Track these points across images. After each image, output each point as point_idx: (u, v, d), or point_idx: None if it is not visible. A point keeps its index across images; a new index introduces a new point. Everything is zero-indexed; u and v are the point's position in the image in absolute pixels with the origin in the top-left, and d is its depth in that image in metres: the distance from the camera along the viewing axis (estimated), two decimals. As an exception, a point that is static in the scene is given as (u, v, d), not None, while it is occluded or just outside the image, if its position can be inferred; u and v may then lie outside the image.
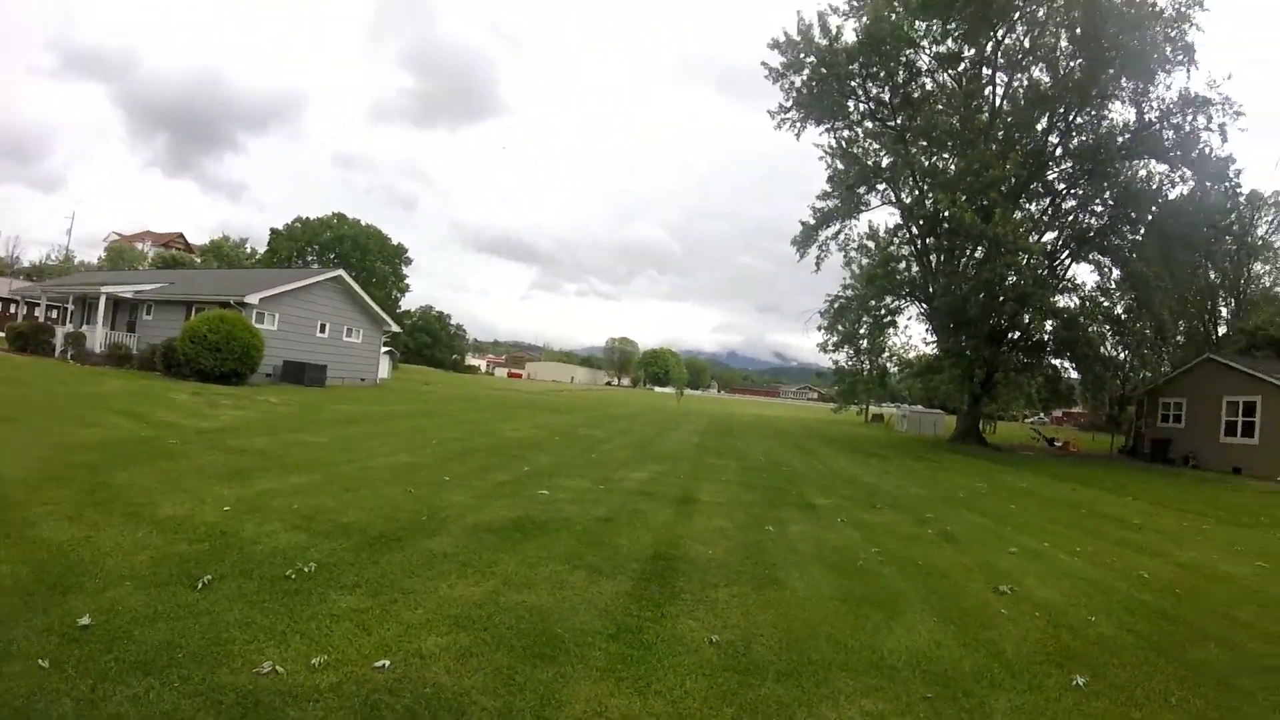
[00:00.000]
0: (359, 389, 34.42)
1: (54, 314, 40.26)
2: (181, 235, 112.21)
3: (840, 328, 36.96)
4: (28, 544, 6.20)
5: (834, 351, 38.24)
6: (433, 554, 6.84)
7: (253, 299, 29.83)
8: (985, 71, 33.63)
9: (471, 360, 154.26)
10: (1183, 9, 28.38)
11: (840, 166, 35.76)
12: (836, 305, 37.29)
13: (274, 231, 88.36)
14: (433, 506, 8.93)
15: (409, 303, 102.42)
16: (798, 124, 35.37)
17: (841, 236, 37.89)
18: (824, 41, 33.20)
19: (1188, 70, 28.84)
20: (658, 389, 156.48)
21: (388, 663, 4.41)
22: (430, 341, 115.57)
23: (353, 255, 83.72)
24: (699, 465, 16.82)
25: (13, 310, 49.56)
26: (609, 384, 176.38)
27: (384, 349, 43.69)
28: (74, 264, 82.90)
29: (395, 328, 42.64)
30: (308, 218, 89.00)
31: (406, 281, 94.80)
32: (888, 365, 41.35)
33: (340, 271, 37.79)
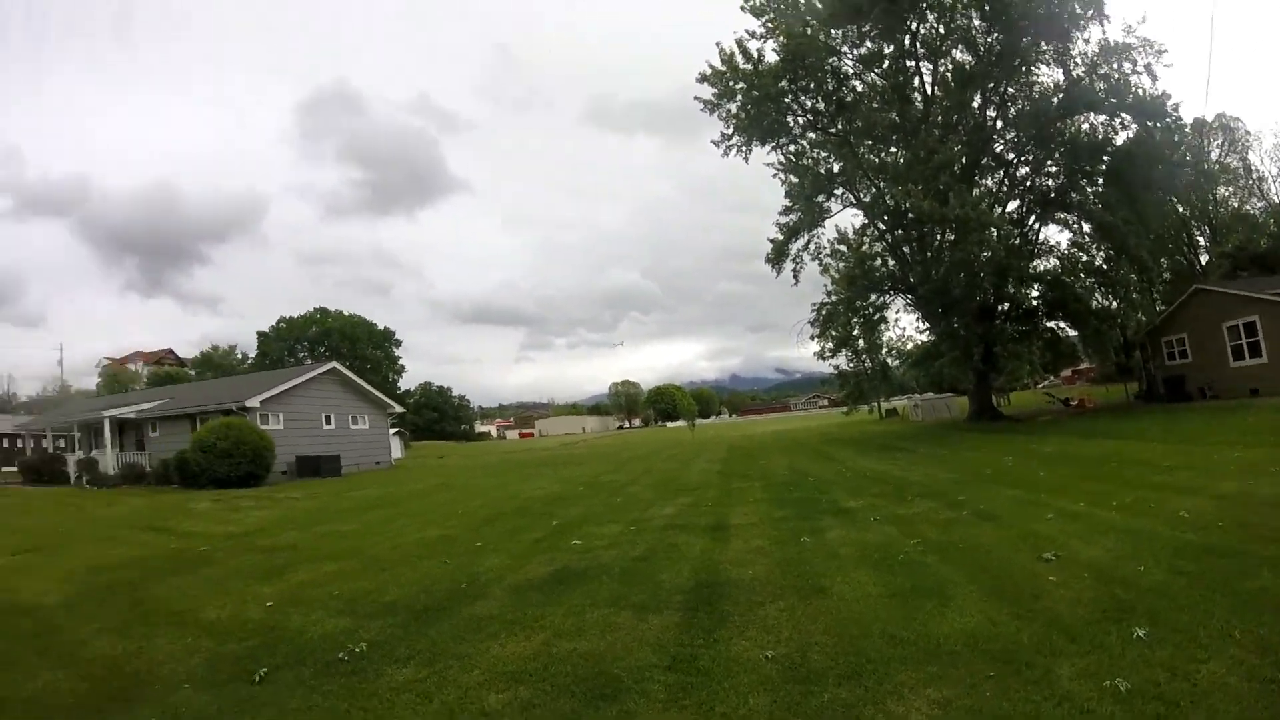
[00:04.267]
0: (375, 473, 34.49)
1: (61, 443, 40.83)
2: (171, 351, 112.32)
3: (832, 333, 36.96)
4: (81, 662, 6.38)
5: (832, 357, 38.23)
6: (479, 618, 6.85)
7: (254, 402, 30.14)
8: (909, 64, 34.01)
9: (481, 427, 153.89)
10: (1082, -35, 29.06)
11: (794, 180, 35.90)
12: (824, 312, 37.03)
13: (261, 334, 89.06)
14: (471, 573, 8.91)
15: (407, 382, 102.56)
16: (743, 148, 35.47)
17: (812, 246, 37.71)
18: (749, 66, 33.42)
19: (1101, 23, 29.53)
20: (670, 424, 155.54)
21: (455, 726, 4.42)
22: (437, 416, 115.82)
23: (343, 346, 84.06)
24: (725, 491, 16.64)
25: (19, 445, 50.59)
26: (621, 428, 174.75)
27: (393, 430, 43.97)
28: (71, 392, 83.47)
29: (399, 408, 42.92)
30: (291, 316, 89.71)
31: (401, 363, 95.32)
32: (887, 360, 41.47)
33: (334, 364, 38.24)
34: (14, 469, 40.23)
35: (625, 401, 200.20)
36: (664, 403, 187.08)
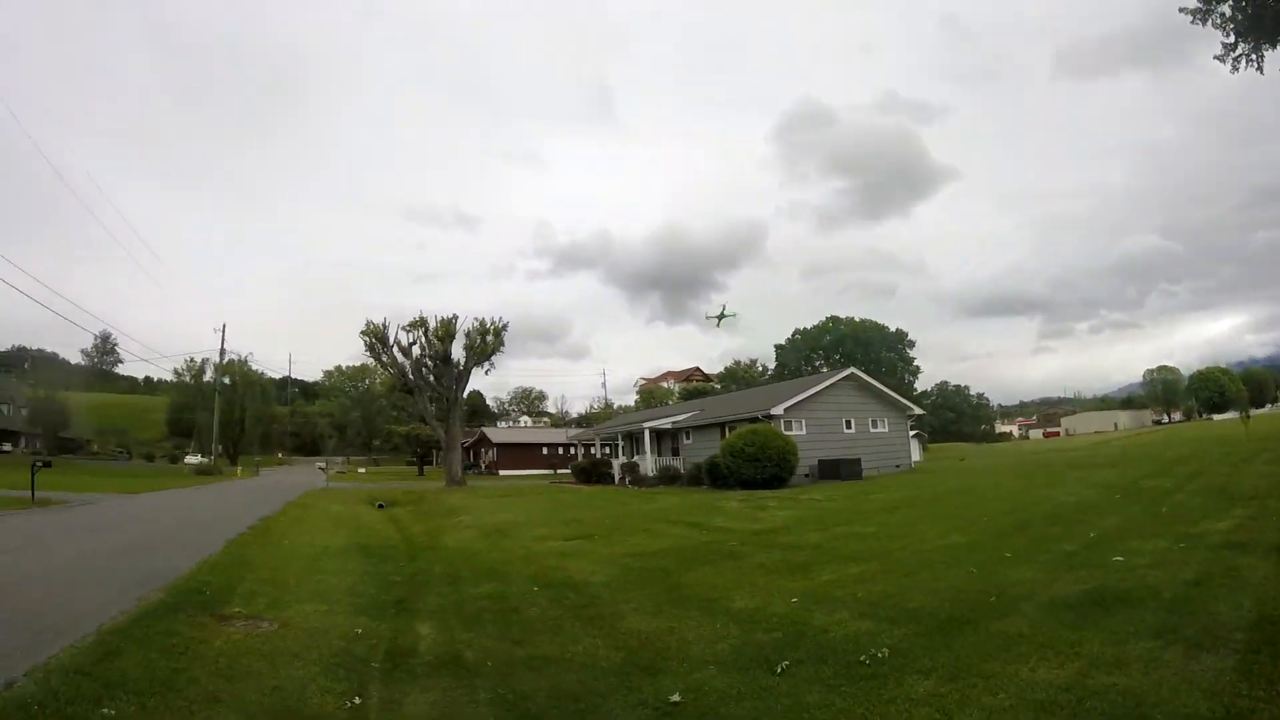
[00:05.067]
0: (894, 476, 34.55)
1: (606, 450, 49.92)
2: (698, 368, 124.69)
3: None
4: (619, 635, 7.29)
5: None
6: (1007, 635, 6.47)
7: (778, 410, 32.02)
8: None
9: (1001, 427, 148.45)
10: None
11: (1332, 80, 28.95)
12: None
13: (778, 346, 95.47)
14: (998, 585, 8.50)
15: (922, 383, 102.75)
16: (1252, 55, 29.20)
17: (1376, 159, 29.93)
18: (1226, -50, 27.30)
19: None
20: (1215, 417, 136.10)
21: (974, 749, 4.23)
22: (955, 417, 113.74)
23: (856, 351, 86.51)
24: (1300, 501, 14.10)
25: (571, 452, 63.09)
26: (1157, 423, 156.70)
27: (911, 432, 43.78)
28: (613, 409, 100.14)
29: (917, 410, 42.81)
30: (804, 328, 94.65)
31: (915, 363, 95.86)
32: None
33: (851, 369, 39.66)
34: (567, 471, 51.81)
35: (1162, 391, 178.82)
36: (1209, 390, 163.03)
